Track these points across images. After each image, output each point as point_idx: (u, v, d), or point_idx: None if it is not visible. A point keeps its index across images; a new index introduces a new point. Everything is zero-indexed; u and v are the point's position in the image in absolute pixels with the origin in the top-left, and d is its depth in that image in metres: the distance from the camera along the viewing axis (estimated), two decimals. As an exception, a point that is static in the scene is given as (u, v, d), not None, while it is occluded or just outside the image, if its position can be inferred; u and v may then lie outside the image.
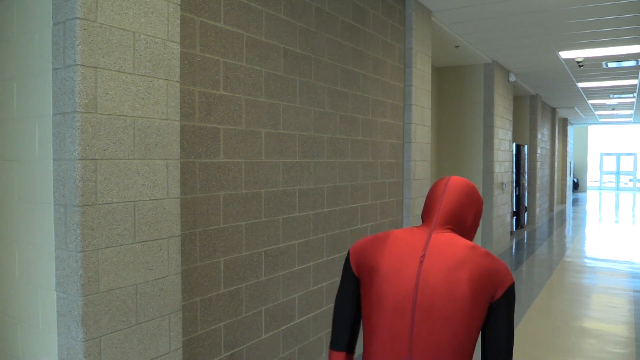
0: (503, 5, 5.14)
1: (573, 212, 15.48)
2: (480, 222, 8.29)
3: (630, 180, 28.42)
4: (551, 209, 15.68)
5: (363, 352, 1.44)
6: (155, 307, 2.15)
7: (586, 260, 8.04)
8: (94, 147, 1.90)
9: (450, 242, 1.39)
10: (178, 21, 2.24)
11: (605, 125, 25.34)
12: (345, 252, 4.03)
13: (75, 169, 1.85)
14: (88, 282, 1.88)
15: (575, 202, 19.66)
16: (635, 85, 10.19)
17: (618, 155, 28.51)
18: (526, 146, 12.01)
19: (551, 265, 7.64)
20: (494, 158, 8.18)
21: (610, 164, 28.69)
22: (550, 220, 13.50)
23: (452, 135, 8.46)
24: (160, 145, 2.17)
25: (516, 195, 11.30)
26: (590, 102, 13.29)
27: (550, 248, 9.19)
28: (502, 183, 8.78)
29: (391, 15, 4.67)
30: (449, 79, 8.47)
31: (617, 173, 28.46)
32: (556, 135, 15.88)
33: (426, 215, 1.50)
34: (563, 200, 18.63)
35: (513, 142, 11.77)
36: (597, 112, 16.13)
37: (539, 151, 12.88)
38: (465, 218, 1.48)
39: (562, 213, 15.26)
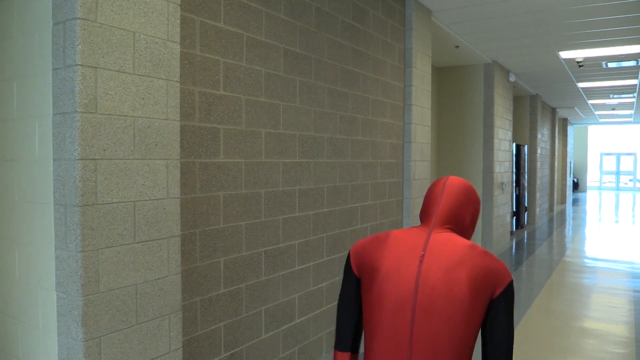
0: (503, 5, 5.14)
1: (573, 212, 15.49)
2: (480, 222, 8.29)
3: (630, 180, 28.42)
4: (551, 209, 15.68)
5: (364, 350, 1.46)
6: (155, 307, 2.15)
7: (586, 260, 8.04)
8: (94, 147, 1.90)
9: (449, 242, 1.40)
10: (178, 21, 2.24)
11: (605, 125, 25.34)
12: (345, 252, 4.03)
13: (75, 169, 1.85)
14: (88, 282, 1.88)
15: (575, 202, 19.66)
16: (635, 85, 10.20)
17: (618, 155, 28.51)
18: (526, 146, 12.01)
19: (551, 265, 7.64)
20: (494, 158, 8.18)
21: (610, 164, 28.69)
22: (550, 220, 13.50)
23: (452, 135, 8.47)
24: (160, 145, 2.17)
25: (516, 195, 11.31)
26: (590, 102, 13.29)
27: (550, 248, 9.19)
28: (502, 183, 8.78)
29: (391, 15, 4.67)
30: (449, 79, 8.47)
31: (617, 173, 28.46)
32: (556, 135, 15.88)
33: (425, 215, 1.51)
34: (563, 200, 18.63)
35: (513, 142, 11.77)
36: (597, 112, 16.13)
37: (539, 151, 12.88)
38: (464, 217, 1.49)
39: (562, 213, 15.26)
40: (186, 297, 2.57)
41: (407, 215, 4.96)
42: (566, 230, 11.56)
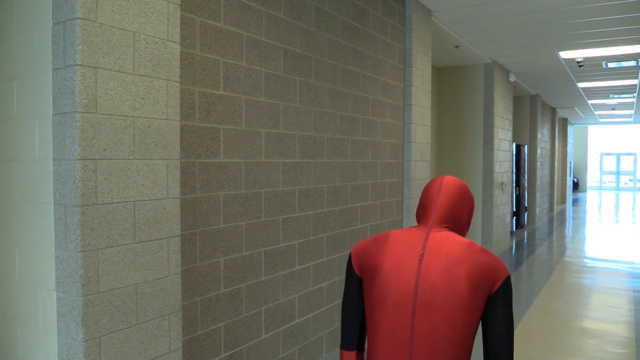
0: (503, 5, 5.14)
1: (573, 212, 15.49)
2: (480, 222, 8.30)
3: (630, 180, 28.42)
4: (551, 209, 15.68)
5: (368, 347, 1.49)
6: (155, 307, 2.15)
7: (586, 260, 8.04)
8: (94, 147, 1.90)
9: (447, 240, 1.44)
10: (178, 21, 2.24)
11: (605, 125, 25.34)
12: (345, 252, 4.03)
13: (75, 169, 1.85)
14: (88, 282, 1.88)
15: (575, 202, 19.66)
16: (635, 85, 10.20)
17: (618, 155, 28.51)
18: (526, 146, 12.01)
19: (551, 265, 7.64)
20: (494, 158, 8.18)
21: (610, 164, 28.69)
22: (550, 220, 13.50)
23: (452, 135, 8.47)
24: (160, 145, 2.17)
25: (516, 195, 11.31)
26: (590, 102, 13.29)
27: (550, 248, 9.19)
28: (502, 183, 8.78)
29: (391, 15, 4.67)
30: (449, 79, 8.48)
31: (617, 173, 28.46)
32: (556, 135, 15.88)
33: (422, 215, 1.55)
34: (563, 200, 18.63)
35: (513, 142, 11.77)
36: (597, 112, 16.13)
37: (539, 151, 12.88)
38: (460, 216, 1.54)
39: (562, 213, 15.26)
40: (186, 297, 2.57)
41: (407, 215, 4.96)
42: (566, 230, 11.56)
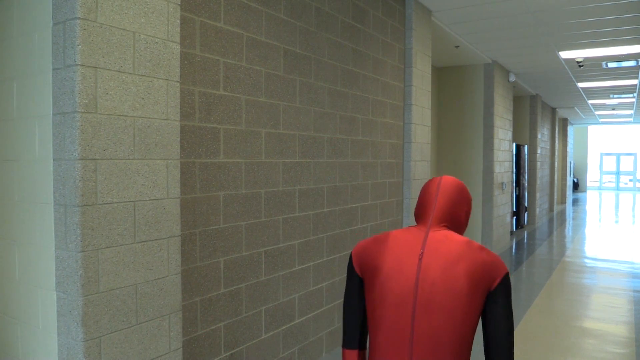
0: (503, 5, 5.14)
1: (573, 212, 15.49)
2: (480, 222, 8.30)
3: (630, 180, 28.41)
4: (551, 209, 15.68)
5: (369, 345, 1.52)
6: (155, 307, 2.15)
7: (586, 260, 8.04)
8: (94, 147, 1.90)
9: (446, 239, 1.47)
10: (178, 21, 2.24)
11: (605, 125, 25.34)
12: (345, 252, 4.03)
13: (75, 169, 1.85)
14: (88, 282, 1.88)
15: (575, 202, 19.66)
16: (635, 85, 10.20)
17: (618, 155, 28.51)
18: (526, 146, 12.01)
19: (551, 265, 7.64)
20: (494, 158, 8.18)
21: (610, 164, 28.69)
22: (550, 220, 13.50)
23: (452, 135, 8.46)
24: (160, 145, 2.17)
25: (516, 195, 11.31)
26: (590, 102, 13.29)
27: (550, 248, 9.19)
28: (502, 183, 8.78)
29: (391, 15, 4.67)
30: (449, 79, 8.47)
31: (617, 173, 28.45)
32: (556, 135, 15.88)
33: (421, 214, 1.57)
34: (563, 200, 18.63)
35: (513, 142, 11.77)
36: (597, 112, 16.13)
37: (539, 151, 12.88)
38: (459, 215, 1.56)
39: (562, 213, 15.26)
40: (186, 297, 2.57)
41: (407, 215, 4.96)
42: (566, 230, 11.56)
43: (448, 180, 1.57)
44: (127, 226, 2.03)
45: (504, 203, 8.99)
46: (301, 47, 3.43)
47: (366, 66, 4.24)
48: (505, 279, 1.42)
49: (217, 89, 2.74)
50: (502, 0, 5.00)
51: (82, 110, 1.86)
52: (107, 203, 1.95)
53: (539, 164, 13.17)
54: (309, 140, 3.53)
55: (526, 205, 12.20)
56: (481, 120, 8.20)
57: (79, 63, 1.84)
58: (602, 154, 28.93)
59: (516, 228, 11.43)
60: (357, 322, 1.59)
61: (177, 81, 2.24)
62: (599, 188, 28.81)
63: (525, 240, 10.06)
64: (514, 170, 11.16)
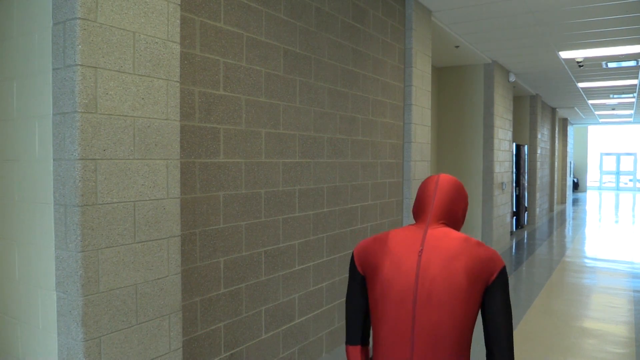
0: (503, 5, 5.14)
1: (573, 212, 15.49)
2: (480, 222, 8.30)
3: (630, 180, 28.41)
4: (551, 209, 15.68)
5: (372, 339, 1.57)
6: (155, 307, 2.15)
7: (586, 260, 8.04)
8: (94, 147, 1.90)
9: (444, 236, 1.51)
10: (178, 21, 2.24)
11: (605, 125, 25.34)
12: (345, 252, 4.03)
13: (75, 169, 1.85)
14: (88, 282, 1.88)
15: (575, 202, 19.66)
16: (635, 85, 10.20)
17: (618, 155, 28.51)
18: (526, 146, 12.01)
19: (551, 265, 7.64)
20: (494, 158, 8.18)
21: (610, 164, 28.69)
22: (550, 220, 13.50)
23: (452, 135, 8.47)
24: (160, 145, 2.17)
25: (516, 195, 11.31)
26: (590, 102, 13.29)
27: (550, 248, 9.19)
28: (502, 183, 8.78)
29: (391, 15, 4.67)
30: (449, 79, 8.48)
31: (617, 173, 28.45)
32: (556, 135, 15.88)
33: (419, 212, 1.61)
34: (563, 200, 18.63)
35: (513, 142, 11.77)
36: (597, 112, 16.13)
37: (539, 151, 12.88)
38: (456, 212, 1.61)
39: (562, 213, 15.26)
40: (186, 297, 2.57)
41: (407, 215, 4.96)
42: (566, 230, 11.56)
43: (445, 178, 1.61)
44: (127, 226, 2.03)
45: (504, 203, 8.99)
46: (301, 47, 3.43)
47: (366, 66, 4.24)
48: (502, 273, 1.46)
49: (217, 89, 2.74)
50: (502, 0, 5.00)
51: (82, 110, 1.86)
52: (107, 203, 1.95)
53: (539, 164, 13.17)
54: (309, 140, 3.53)
55: (526, 205, 12.20)
56: (481, 120, 8.20)
57: (79, 63, 1.84)
58: (602, 154, 28.93)
59: (516, 228, 11.43)
60: (360, 319, 1.64)
61: (177, 81, 2.24)
62: (599, 188, 28.81)
63: (525, 240, 10.06)
64: (514, 170, 11.16)
